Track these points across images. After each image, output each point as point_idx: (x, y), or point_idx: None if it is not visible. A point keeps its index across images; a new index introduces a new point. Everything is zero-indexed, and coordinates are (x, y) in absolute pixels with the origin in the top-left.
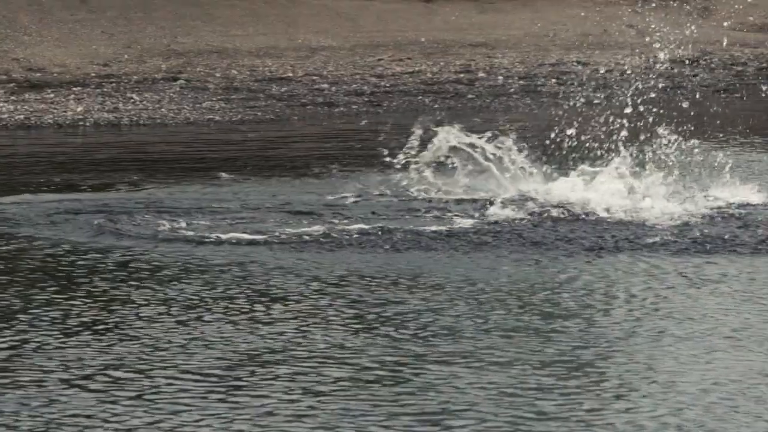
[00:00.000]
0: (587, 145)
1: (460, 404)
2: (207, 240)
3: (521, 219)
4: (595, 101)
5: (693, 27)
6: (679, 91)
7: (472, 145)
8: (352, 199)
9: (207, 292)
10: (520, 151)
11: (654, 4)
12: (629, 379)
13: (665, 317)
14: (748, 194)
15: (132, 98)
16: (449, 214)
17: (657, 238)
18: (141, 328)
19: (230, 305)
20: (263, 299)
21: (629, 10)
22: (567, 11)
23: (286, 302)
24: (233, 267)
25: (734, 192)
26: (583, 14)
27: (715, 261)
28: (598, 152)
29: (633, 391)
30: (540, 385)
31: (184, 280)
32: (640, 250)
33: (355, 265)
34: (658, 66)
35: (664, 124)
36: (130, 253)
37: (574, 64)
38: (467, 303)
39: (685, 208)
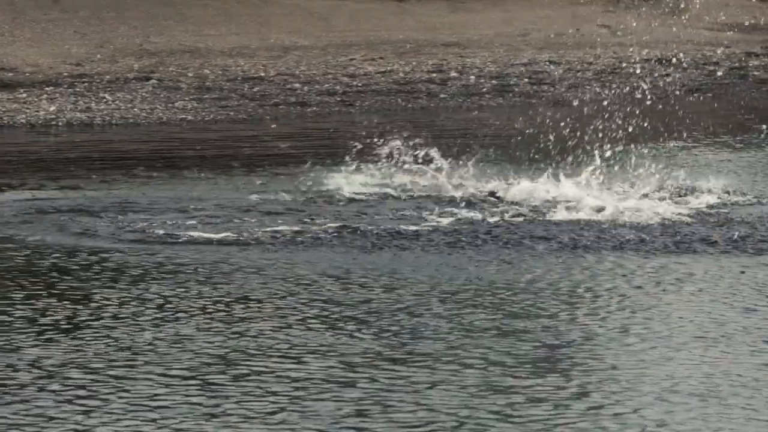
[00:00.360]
0: (557, 145)
1: (427, 404)
2: (177, 239)
3: (489, 219)
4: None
5: (665, 27)
6: (649, 91)
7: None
8: (322, 198)
9: (176, 291)
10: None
11: (625, 6)
12: (593, 379)
13: (631, 316)
14: (717, 194)
15: (104, 98)
16: (420, 213)
17: (626, 238)
18: (109, 327)
19: (200, 305)
20: (234, 299)
21: (602, 10)
22: (539, 11)
23: (257, 302)
24: (203, 266)
25: (703, 192)
26: (554, 14)
27: (682, 261)
28: (567, 153)
29: (597, 390)
30: (506, 384)
31: (152, 280)
32: (607, 249)
33: (326, 264)
34: (630, 65)
35: (631, 125)
36: (99, 252)
37: (547, 63)
38: (436, 302)
39: (655, 208)
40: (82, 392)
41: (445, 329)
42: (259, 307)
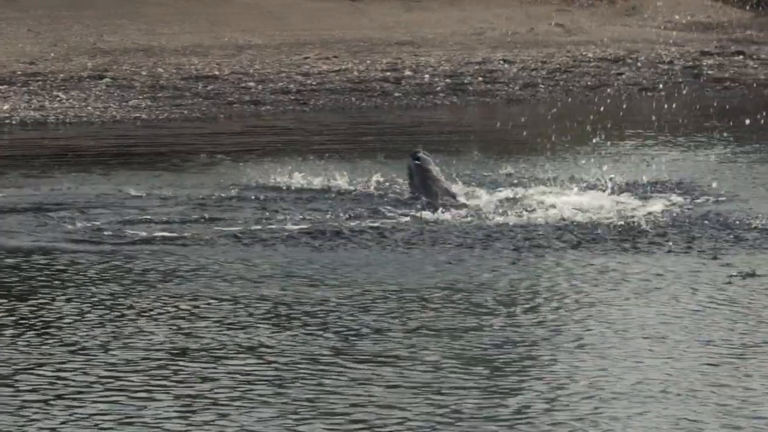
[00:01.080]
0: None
1: (379, 403)
2: (126, 238)
3: (449, 219)
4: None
5: (619, 26)
6: (606, 90)
7: None
8: (280, 195)
9: (124, 290)
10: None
11: (579, 5)
12: (551, 378)
13: (588, 316)
14: (671, 193)
15: (58, 96)
16: (379, 212)
17: (584, 237)
18: (60, 328)
19: (150, 304)
20: (184, 297)
21: (555, 9)
22: (493, 10)
23: (209, 300)
24: (153, 265)
25: (655, 191)
26: (509, 13)
27: (641, 260)
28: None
29: (556, 389)
30: (462, 385)
31: (99, 279)
32: (565, 249)
33: (280, 261)
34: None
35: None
36: (49, 251)
37: (501, 62)
38: (391, 302)
39: (611, 208)
40: (38, 394)
41: (405, 328)
42: (214, 305)
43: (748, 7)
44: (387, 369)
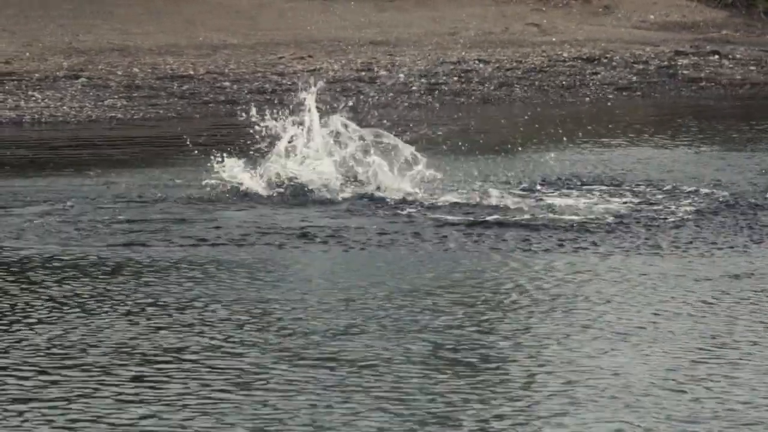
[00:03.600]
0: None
1: (326, 406)
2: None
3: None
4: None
5: (594, 25)
6: (580, 90)
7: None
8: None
9: (75, 290)
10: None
11: (553, 4)
12: (518, 378)
13: (550, 314)
14: (637, 193)
15: (34, 96)
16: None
17: (552, 237)
18: (15, 329)
19: (98, 304)
20: (136, 299)
21: (530, 8)
22: (468, 9)
23: (159, 301)
24: (106, 266)
25: (623, 190)
26: (483, 12)
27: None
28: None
29: (525, 389)
30: (420, 385)
31: (48, 280)
32: (522, 248)
33: (233, 260)
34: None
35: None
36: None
37: (476, 62)
38: (329, 300)
39: (572, 206)
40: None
41: (352, 328)
42: (166, 306)
43: (723, 7)
44: (331, 371)
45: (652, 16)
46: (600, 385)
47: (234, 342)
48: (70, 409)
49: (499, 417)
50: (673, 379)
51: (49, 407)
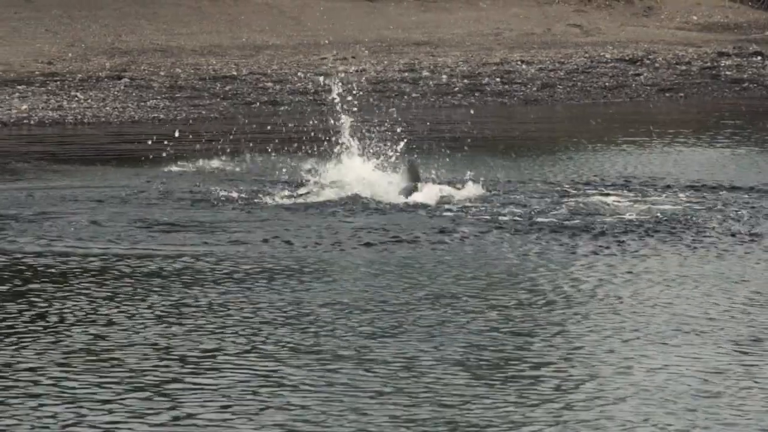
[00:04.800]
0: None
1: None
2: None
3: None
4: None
5: (637, 26)
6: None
7: None
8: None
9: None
10: None
11: (596, 5)
12: (555, 381)
13: (597, 314)
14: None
15: (76, 96)
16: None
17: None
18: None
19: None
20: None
21: (573, 9)
22: (510, 10)
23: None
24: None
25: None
26: (526, 13)
27: (656, 260)
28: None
29: (562, 391)
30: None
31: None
32: (566, 250)
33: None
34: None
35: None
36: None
37: (518, 63)
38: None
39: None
40: None
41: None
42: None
43: (766, 8)
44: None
45: (694, 17)
46: (642, 385)
47: (269, 343)
48: (105, 409)
49: (534, 420)
50: (714, 381)
51: (85, 406)
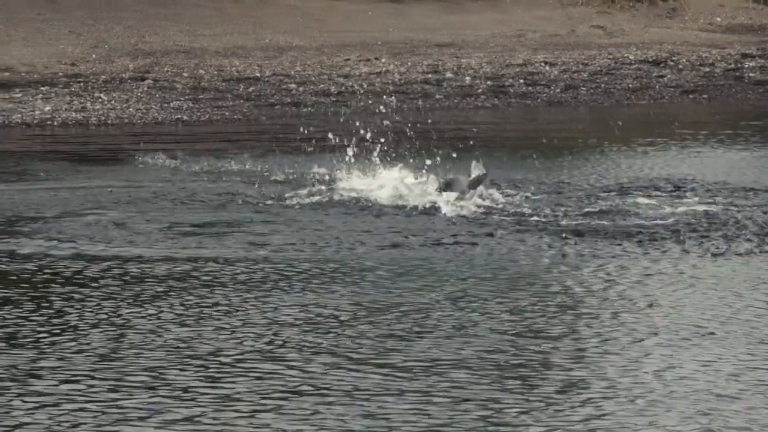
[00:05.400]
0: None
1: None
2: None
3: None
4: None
5: (660, 28)
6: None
7: None
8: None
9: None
10: None
11: (620, 7)
12: (574, 384)
13: (625, 316)
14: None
15: (100, 98)
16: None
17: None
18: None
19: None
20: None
21: (596, 11)
22: (534, 12)
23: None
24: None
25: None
26: (549, 15)
27: (679, 262)
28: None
29: (583, 395)
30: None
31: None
32: (592, 253)
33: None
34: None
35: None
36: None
37: (542, 64)
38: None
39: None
40: None
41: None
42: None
43: None
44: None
45: (718, 19)
46: (666, 390)
47: (289, 346)
48: (125, 407)
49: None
50: (736, 386)
51: (104, 409)
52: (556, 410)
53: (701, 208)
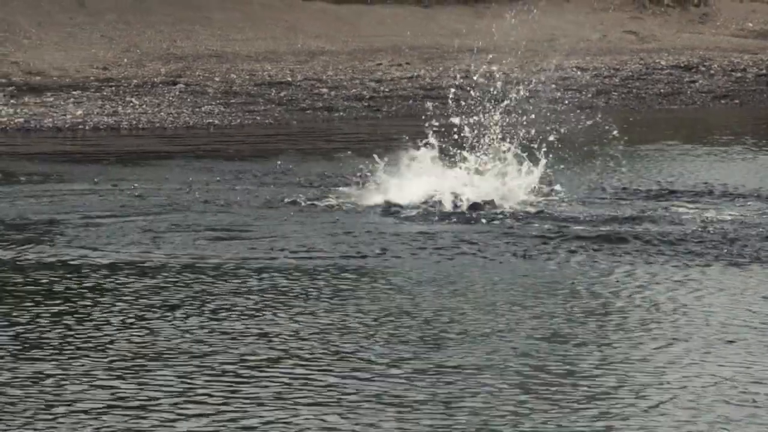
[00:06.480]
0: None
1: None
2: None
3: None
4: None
5: (692, 33)
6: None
7: None
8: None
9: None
10: None
11: (651, 12)
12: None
13: (656, 323)
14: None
15: (131, 102)
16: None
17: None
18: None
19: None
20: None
21: (628, 16)
22: (566, 17)
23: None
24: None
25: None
26: (581, 20)
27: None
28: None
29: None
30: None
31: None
32: (626, 261)
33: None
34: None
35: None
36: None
37: (574, 69)
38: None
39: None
40: None
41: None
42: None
43: None
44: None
45: (750, 24)
46: (692, 396)
47: (312, 350)
48: (152, 412)
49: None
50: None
51: (129, 413)
52: (581, 416)
53: (732, 214)
